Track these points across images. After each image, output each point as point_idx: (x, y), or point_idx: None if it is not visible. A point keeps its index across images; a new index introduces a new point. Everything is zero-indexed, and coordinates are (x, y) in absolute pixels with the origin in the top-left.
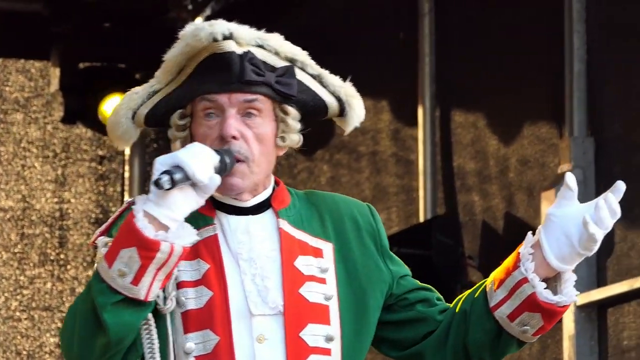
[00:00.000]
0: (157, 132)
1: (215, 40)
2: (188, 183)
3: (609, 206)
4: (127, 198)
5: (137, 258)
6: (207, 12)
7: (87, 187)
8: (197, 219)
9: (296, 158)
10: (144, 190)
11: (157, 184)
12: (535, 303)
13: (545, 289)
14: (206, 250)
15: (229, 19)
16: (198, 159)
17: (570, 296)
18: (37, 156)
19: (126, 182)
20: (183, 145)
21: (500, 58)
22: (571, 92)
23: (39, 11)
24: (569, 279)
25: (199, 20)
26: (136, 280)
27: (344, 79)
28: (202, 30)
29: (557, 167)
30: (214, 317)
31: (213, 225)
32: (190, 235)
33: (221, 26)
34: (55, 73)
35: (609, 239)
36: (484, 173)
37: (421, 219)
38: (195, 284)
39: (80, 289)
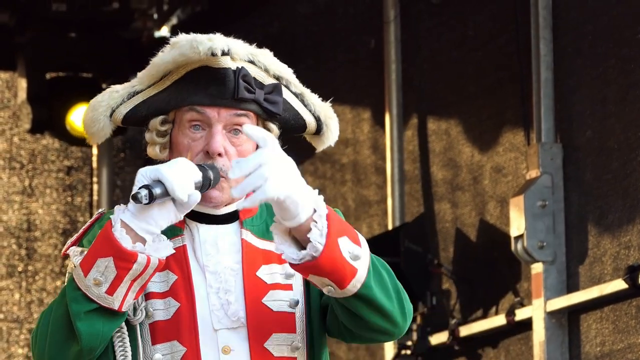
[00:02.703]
0: (124, 142)
1: (213, 55)
2: (168, 198)
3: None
4: (95, 208)
5: (114, 268)
6: (173, 21)
7: (55, 197)
8: (166, 229)
9: None
10: (112, 199)
11: (135, 197)
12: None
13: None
14: (175, 262)
15: (197, 27)
16: (180, 176)
17: (312, 247)
18: (3, 168)
19: (94, 192)
20: (161, 150)
21: (468, 65)
22: (539, 99)
23: (5, 21)
24: (313, 233)
25: (165, 29)
26: (111, 290)
27: (315, 88)
28: (201, 43)
29: (527, 174)
30: (180, 328)
31: (182, 236)
32: (166, 248)
33: (220, 42)
34: (21, 84)
35: (581, 245)
36: (455, 180)
37: (390, 226)
38: (164, 295)
39: (48, 300)
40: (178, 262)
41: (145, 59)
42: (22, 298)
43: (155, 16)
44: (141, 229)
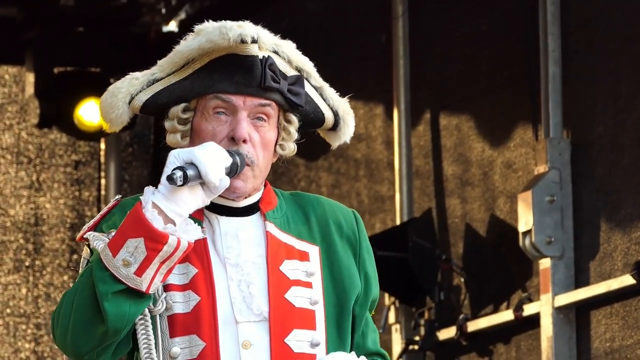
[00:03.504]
0: (132, 137)
1: (243, 42)
2: (199, 182)
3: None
4: (102, 203)
5: (144, 249)
6: (182, 16)
7: (62, 192)
8: None
9: (297, 167)
10: (120, 194)
11: (171, 178)
12: None
13: None
14: (195, 254)
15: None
16: (213, 160)
17: None
18: (11, 162)
19: (102, 187)
20: (182, 138)
21: (479, 61)
22: (547, 94)
23: (13, 16)
24: None
25: (173, 24)
26: (140, 271)
27: (328, 82)
28: (230, 30)
29: (535, 169)
30: (200, 322)
31: (202, 229)
32: (196, 232)
33: (250, 29)
34: (29, 78)
35: (592, 240)
36: (465, 176)
37: (397, 221)
38: (183, 288)
39: (55, 295)
40: (198, 255)
41: (154, 53)
42: (29, 293)
43: (164, 11)
44: (171, 211)
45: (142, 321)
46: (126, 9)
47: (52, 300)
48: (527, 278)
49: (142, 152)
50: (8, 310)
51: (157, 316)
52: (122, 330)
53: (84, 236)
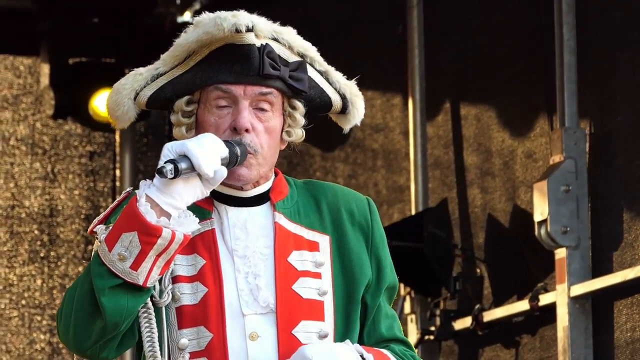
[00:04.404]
0: (147, 127)
1: (237, 31)
2: (194, 173)
3: None
4: (117, 194)
5: (138, 243)
6: (196, 6)
7: (77, 183)
8: (194, 212)
9: (313, 157)
10: (135, 185)
11: (160, 172)
12: None
13: None
14: (203, 245)
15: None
16: (206, 151)
17: None
18: (26, 153)
19: (117, 177)
20: (188, 131)
21: (496, 50)
22: (562, 84)
23: (27, 7)
24: None
25: (187, 14)
26: (136, 265)
27: (344, 73)
28: (225, 20)
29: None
30: (208, 314)
31: (211, 219)
32: (192, 224)
33: (244, 18)
34: (44, 69)
35: (611, 230)
36: (484, 166)
37: (412, 211)
38: (191, 279)
39: (70, 286)
40: (206, 246)
41: (168, 44)
42: (44, 284)
43: (178, 1)
44: (166, 204)
45: (146, 314)
46: (141, 0)
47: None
48: (544, 268)
49: (157, 142)
50: (23, 302)
51: (163, 308)
52: (121, 324)
53: (94, 229)
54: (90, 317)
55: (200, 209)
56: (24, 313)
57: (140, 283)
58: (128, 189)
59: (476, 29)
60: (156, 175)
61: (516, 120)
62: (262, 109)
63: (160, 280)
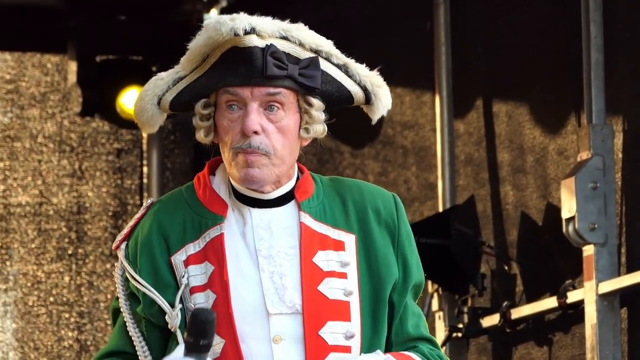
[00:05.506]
0: (174, 124)
1: (236, 34)
2: None
3: None
4: (145, 191)
5: None
6: (223, 3)
7: (105, 180)
8: (206, 218)
9: (342, 154)
10: (162, 182)
11: None
12: None
13: None
14: (212, 252)
15: (246, 10)
16: None
17: None
18: (54, 151)
19: (144, 175)
20: (206, 134)
21: (526, 48)
22: (589, 81)
23: (55, 5)
24: None
25: (214, 12)
26: None
27: (373, 70)
28: (223, 24)
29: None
30: (218, 319)
31: (220, 224)
32: None
33: (242, 21)
34: (72, 67)
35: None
36: (516, 163)
37: (440, 208)
38: (204, 287)
39: (98, 283)
40: (215, 252)
41: None
42: (72, 281)
43: None
44: None
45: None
46: None
47: (94, 289)
48: (572, 265)
49: (184, 139)
50: (51, 299)
51: (178, 329)
52: None
53: (118, 247)
54: None
55: (213, 215)
56: (52, 310)
57: None
58: (148, 202)
59: (505, 26)
60: None
61: (548, 117)
62: (273, 109)
63: (171, 304)
